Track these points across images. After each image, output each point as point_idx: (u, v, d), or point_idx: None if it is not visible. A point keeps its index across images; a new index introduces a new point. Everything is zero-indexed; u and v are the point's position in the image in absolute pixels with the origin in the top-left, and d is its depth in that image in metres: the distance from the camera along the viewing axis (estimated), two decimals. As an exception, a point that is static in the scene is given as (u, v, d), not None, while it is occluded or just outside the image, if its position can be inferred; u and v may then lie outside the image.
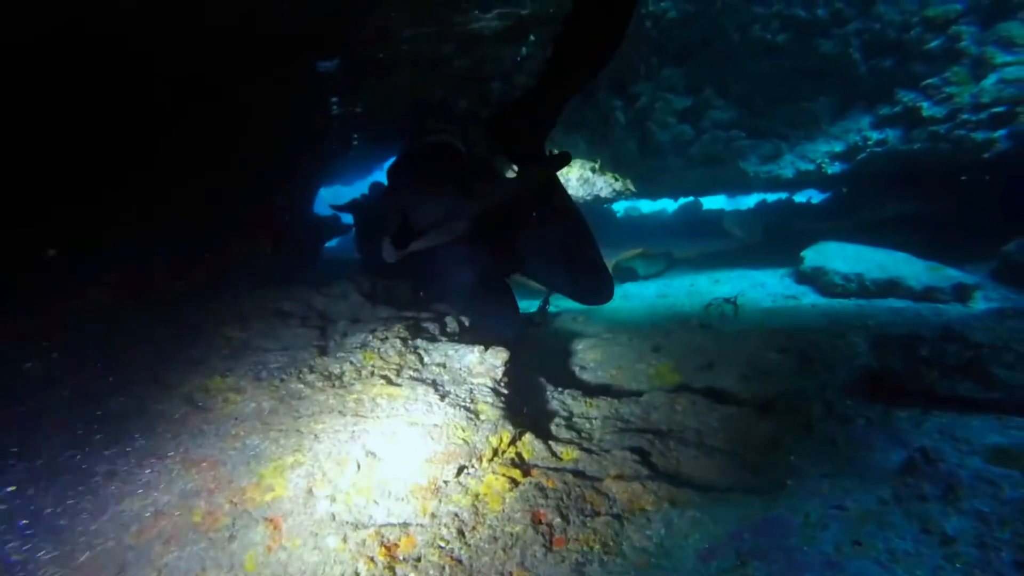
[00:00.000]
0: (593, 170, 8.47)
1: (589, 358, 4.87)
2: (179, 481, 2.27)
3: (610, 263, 9.10)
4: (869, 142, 6.00)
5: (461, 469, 2.32)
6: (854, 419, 3.49)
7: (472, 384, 3.08)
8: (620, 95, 7.66)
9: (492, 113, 3.01)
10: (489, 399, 2.89)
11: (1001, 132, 5.36)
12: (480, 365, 3.28)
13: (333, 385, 2.99)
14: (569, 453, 2.62)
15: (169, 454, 2.43)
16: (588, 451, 2.64)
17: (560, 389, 3.70)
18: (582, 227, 3.53)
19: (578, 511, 2.13)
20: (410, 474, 2.24)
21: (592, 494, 2.23)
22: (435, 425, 2.50)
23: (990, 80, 5.44)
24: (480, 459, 2.39)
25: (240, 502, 2.18)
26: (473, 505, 2.14)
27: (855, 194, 7.71)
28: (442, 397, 2.79)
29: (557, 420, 3.10)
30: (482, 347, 3.38)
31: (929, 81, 5.65)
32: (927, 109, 5.64)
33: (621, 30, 2.33)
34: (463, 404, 2.75)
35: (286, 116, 6.03)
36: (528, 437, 2.68)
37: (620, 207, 14.20)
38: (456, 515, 2.08)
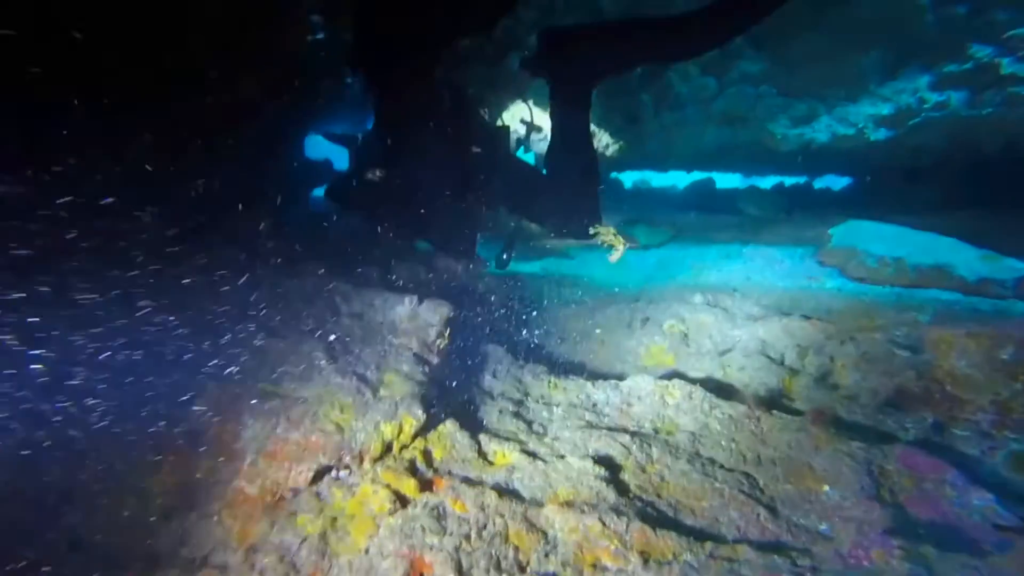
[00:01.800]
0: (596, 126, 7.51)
1: (570, 328, 4.05)
2: None
3: (611, 229, 8.25)
4: (925, 105, 5.04)
5: (322, 472, 1.50)
6: (899, 435, 2.67)
7: (391, 345, 2.24)
8: (637, 37, 6.65)
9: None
10: (405, 367, 2.05)
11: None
12: (409, 321, 2.44)
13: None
14: (505, 455, 1.80)
15: None
16: (532, 455, 1.82)
17: (521, 363, 2.88)
18: (594, 164, 3.41)
19: (490, 562, 1.31)
20: (235, 476, 1.42)
21: (521, 530, 1.41)
22: (302, 399, 1.67)
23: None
24: (360, 457, 1.57)
25: None
26: (322, 536, 1.32)
27: (886, 177, 6.77)
28: (333, 358, 1.95)
29: (502, 404, 2.27)
30: (415, 297, 2.53)
31: (1014, 32, 4.62)
32: (1007, 66, 4.65)
33: None
34: (359, 371, 1.91)
35: (250, 44, 4.92)
36: (448, 427, 1.85)
37: (628, 178, 13.29)
38: (284, 555, 1.27)
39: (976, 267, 4.33)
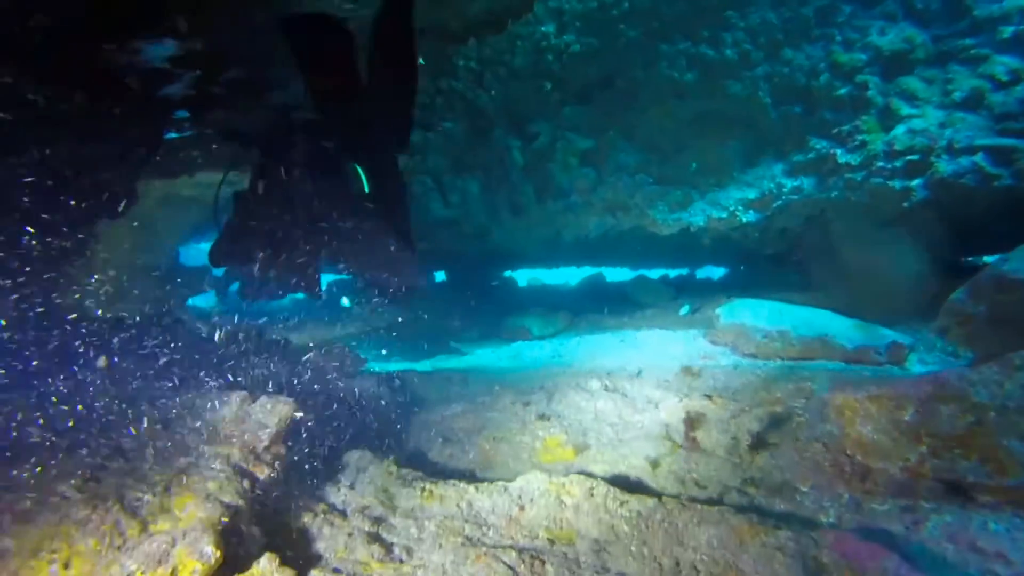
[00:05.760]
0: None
1: (457, 426, 3.57)
2: None
3: (503, 323, 7.99)
4: (784, 189, 5.44)
5: None
6: (819, 517, 2.41)
7: (201, 456, 1.67)
8: (518, 134, 6.85)
9: None
10: (211, 485, 1.49)
11: (917, 181, 4.96)
12: (235, 423, 1.88)
13: None
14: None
15: None
16: (382, 597, 1.31)
17: (393, 469, 2.35)
18: None
19: None
20: None
21: None
22: (3, 551, 1.08)
23: (900, 129, 5.10)
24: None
25: None
26: None
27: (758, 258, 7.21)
28: (88, 485, 1.36)
29: (357, 523, 1.73)
30: (245, 393, 1.99)
31: (842, 128, 5.23)
32: (842, 156, 5.19)
33: None
34: (128, 498, 1.34)
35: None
36: (263, 567, 1.30)
37: (523, 277, 13.48)
38: None
39: (852, 335, 4.46)
